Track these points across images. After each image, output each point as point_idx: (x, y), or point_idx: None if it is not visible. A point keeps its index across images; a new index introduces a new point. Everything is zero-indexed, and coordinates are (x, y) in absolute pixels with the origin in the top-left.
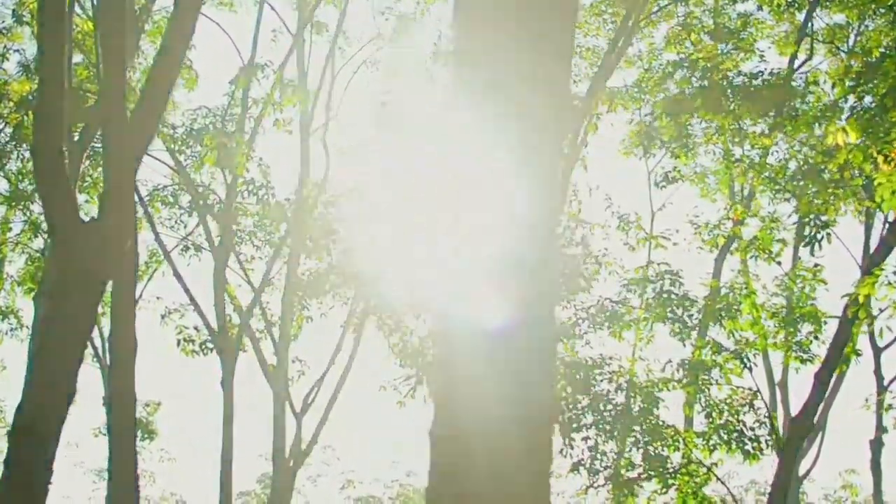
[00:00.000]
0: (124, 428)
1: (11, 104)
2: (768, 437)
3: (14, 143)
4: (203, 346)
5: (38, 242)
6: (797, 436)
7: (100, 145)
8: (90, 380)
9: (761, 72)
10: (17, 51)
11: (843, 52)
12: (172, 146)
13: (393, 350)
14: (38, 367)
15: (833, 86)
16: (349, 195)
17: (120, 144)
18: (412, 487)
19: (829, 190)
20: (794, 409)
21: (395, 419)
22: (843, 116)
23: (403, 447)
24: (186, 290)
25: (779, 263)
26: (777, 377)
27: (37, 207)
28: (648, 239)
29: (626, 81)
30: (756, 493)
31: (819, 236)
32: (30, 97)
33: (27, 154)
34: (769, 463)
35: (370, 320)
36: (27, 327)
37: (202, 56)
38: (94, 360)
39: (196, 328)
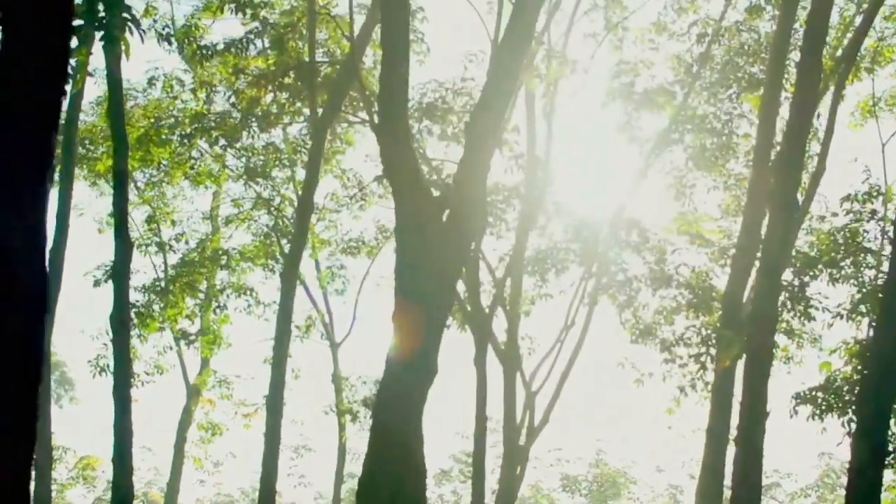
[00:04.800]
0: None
1: (249, 78)
2: None
3: (246, 119)
4: None
5: (266, 219)
6: None
7: None
8: (316, 357)
9: None
10: (271, 25)
11: None
12: None
13: (625, 326)
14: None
15: None
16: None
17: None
18: (608, 467)
19: None
20: None
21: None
22: None
23: (603, 426)
24: None
25: None
26: None
27: (267, 183)
28: None
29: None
30: None
31: None
32: (270, 73)
33: (257, 130)
34: None
35: (601, 296)
36: (264, 304)
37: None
38: (324, 337)
39: None
